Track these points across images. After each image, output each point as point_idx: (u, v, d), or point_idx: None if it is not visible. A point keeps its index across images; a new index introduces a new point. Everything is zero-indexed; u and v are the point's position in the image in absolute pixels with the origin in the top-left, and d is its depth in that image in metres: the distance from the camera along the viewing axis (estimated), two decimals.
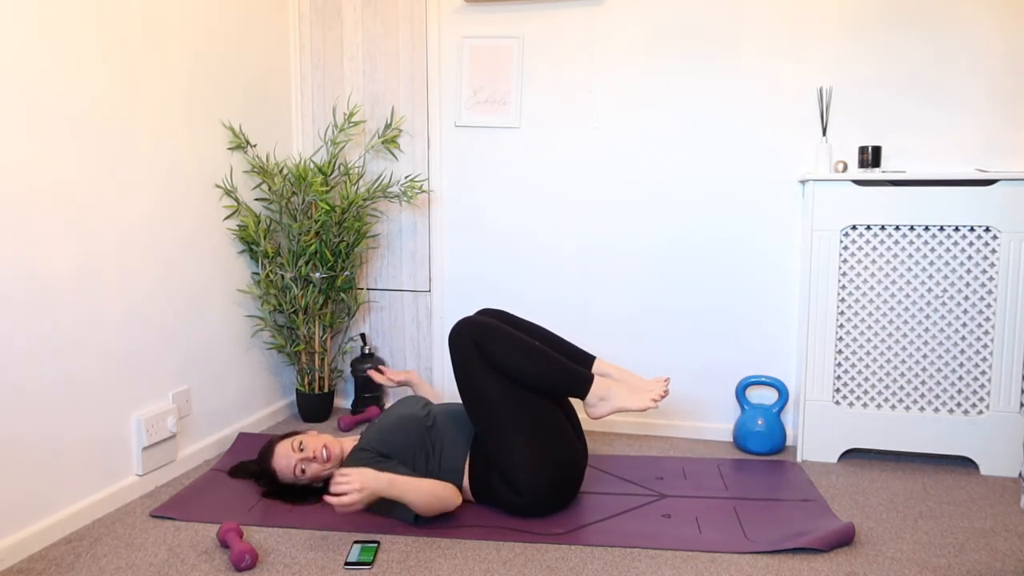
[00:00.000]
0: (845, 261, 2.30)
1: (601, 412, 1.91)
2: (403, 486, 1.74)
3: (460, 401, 2.39)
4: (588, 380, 1.88)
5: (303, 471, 1.94)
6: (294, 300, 2.58)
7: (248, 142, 2.53)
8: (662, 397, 1.90)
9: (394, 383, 2.33)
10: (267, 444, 2.02)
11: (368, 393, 2.80)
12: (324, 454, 1.94)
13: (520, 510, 1.89)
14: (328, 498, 1.67)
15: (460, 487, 1.94)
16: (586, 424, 2.72)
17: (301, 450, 1.94)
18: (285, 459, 1.95)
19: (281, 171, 2.58)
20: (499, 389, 1.84)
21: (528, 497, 1.85)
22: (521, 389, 1.85)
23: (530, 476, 1.83)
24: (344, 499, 1.65)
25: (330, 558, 1.69)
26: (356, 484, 1.66)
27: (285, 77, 2.82)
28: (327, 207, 2.53)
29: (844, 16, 2.40)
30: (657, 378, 2.09)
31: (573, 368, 1.88)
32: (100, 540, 1.78)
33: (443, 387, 2.86)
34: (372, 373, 2.31)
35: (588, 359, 2.07)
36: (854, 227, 2.29)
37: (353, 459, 1.91)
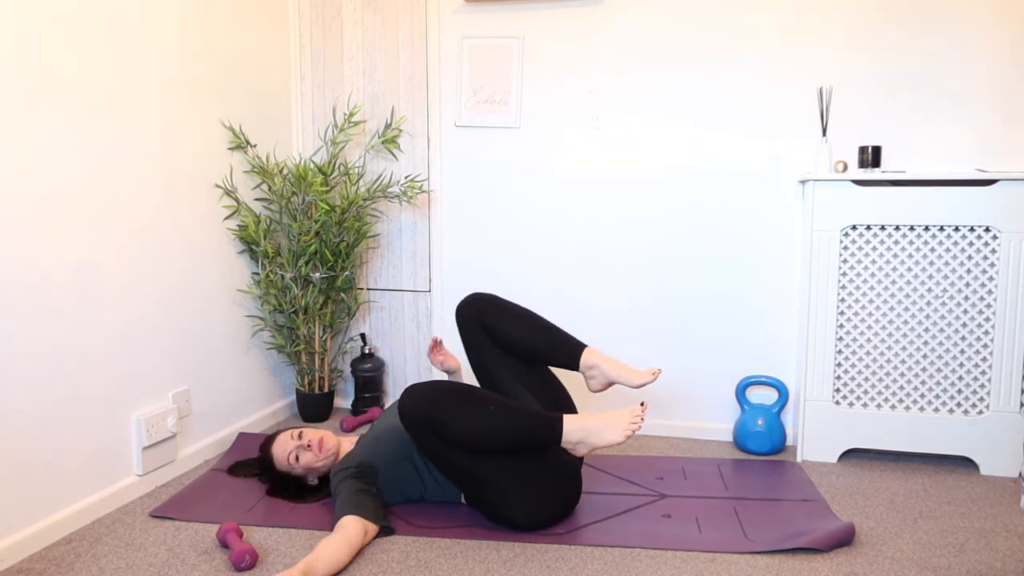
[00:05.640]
0: (845, 261, 2.30)
1: (579, 454, 1.79)
2: (328, 566, 1.57)
3: None
4: (557, 432, 1.72)
5: (296, 459, 1.97)
6: (294, 300, 2.58)
7: (248, 142, 2.53)
8: (639, 422, 1.73)
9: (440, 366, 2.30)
10: (273, 433, 2.09)
11: (368, 393, 2.80)
12: (318, 445, 1.97)
13: (512, 529, 1.85)
14: None
15: (459, 496, 1.97)
16: None
17: (300, 437, 1.99)
18: (282, 446, 2.00)
19: (281, 171, 2.58)
20: (468, 458, 1.73)
21: (526, 528, 1.83)
22: (492, 453, 1.73)
23: (527, 517, 1.80)
24: None
25: None
26: None
27: (285, 77, 2.82)
28: (327, 207, 2.53)
29: (844, 16, 2.40)
30: (650, 368, 2.03)
31: (537, 419, 1.73)
32: (100, 540, 1.78)
33: None
34: (435, 344, 2.31)
35: (579, 347, 1.99)
36: (854, 227, 2.29)
37: (334, 478, 1.91)
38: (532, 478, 1.79)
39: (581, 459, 1.95)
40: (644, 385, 1.93)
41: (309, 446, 1.98)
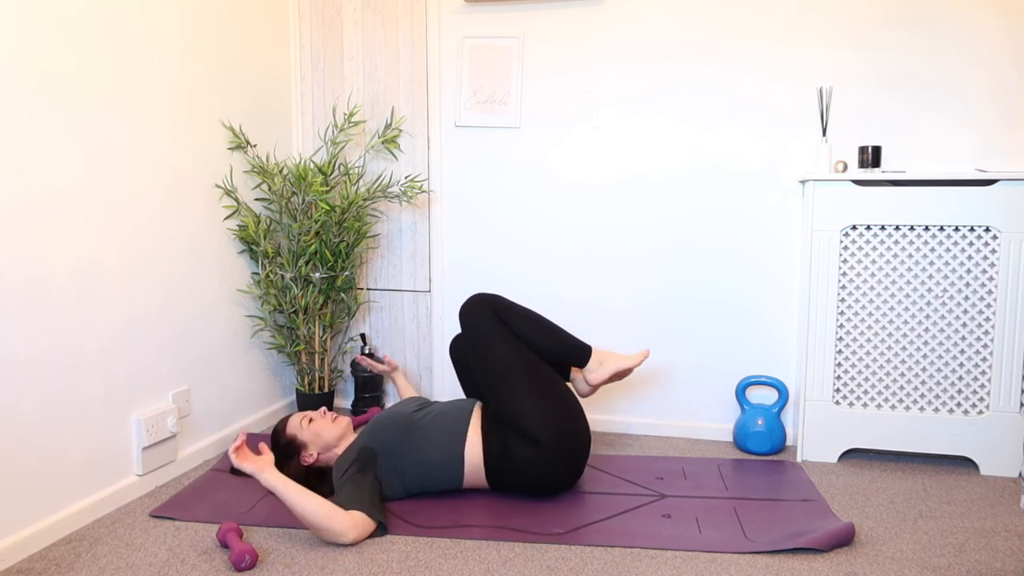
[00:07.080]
0: (845, 261, 2.30)
1: (600, 376, 2.15)
2: (294, 495, 1.72)
3: (456, 399, 2.43)
4: (587, 349, 2.16)
5: (310, 421, 2.08)
6: (294, 300, 2.58)
7: (248, 142, 2.53)
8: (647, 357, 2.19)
9: (374, 370, 2.54)
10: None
11: (368, 393, 2.80)
12: (330, 416, 2.10)
13: (536, 467, 1.94)
14: (234, 452, 1.78)
15: (460, 477, 1.99)
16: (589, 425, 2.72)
17: (311, 420, 2.11)
18: (295, 418, 2.11)
19: (281, 171, 2.58)
20: (511, 349, 2.05)
21: (544, 443, 1.93)
22: (530, 353, 2.08)
23: (542, 420, 1.94)
24: (243, 464, 1.76)
25: (330, 558, 1.69)
26: (257, 467, 1.76)
27: (285, 77, 2.82)
28: (327, 207, 2.53)
29: (844, 16, 2.40)
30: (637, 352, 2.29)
31: (575, 339, 2.16)
32: (100, 540, 1.78)
33: (442, 388, 2.86)
34: (360, 358, 2.52)
35: (586, 348, 2.17)
36: (854, 227, 2.29)
37: (336, 471, 1.96)
38: (552, 395, 2.00)
39: (589, 434, 2.06)
40: (638, 364, 2.19)
41: (324, 415, 2.10)
